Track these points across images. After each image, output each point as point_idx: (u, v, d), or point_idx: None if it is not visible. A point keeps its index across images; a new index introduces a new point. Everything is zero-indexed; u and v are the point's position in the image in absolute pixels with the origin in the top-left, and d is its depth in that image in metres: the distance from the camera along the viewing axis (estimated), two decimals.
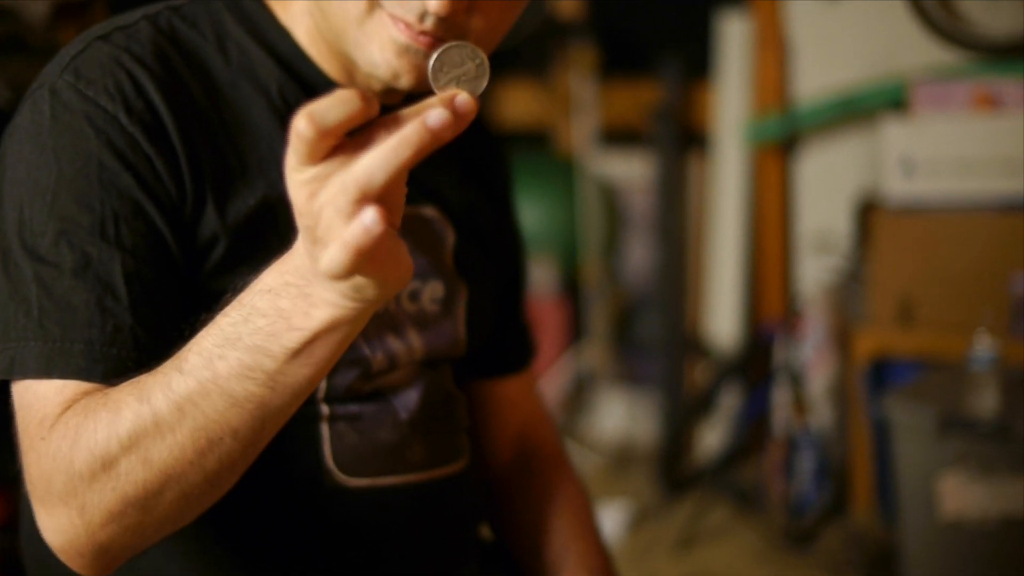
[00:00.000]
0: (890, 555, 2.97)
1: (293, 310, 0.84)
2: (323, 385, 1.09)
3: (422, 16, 0.98)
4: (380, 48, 1.02)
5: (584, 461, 3.81)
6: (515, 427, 1.37)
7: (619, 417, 4.06)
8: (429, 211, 1.19)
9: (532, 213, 3.98)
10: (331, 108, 0.75)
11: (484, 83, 0.88)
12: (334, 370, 1.01)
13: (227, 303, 0.89)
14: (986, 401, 2.67)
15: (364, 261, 0.77)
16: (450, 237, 1.19)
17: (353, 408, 1.11)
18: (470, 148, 1.24)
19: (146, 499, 0.91)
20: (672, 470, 3.63)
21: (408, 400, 1.15)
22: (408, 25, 1.00)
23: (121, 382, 0.94)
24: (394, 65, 1.02)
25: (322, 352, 0.86)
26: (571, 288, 3.99)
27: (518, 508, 1.34)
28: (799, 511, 3.34)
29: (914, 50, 3.33)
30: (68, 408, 0.94)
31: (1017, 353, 2.86)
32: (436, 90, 0.87)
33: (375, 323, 1.11)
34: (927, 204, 3.15)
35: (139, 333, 0.98)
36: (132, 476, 0.90)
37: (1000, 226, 3.06)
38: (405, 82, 1.03)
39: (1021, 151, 3.03)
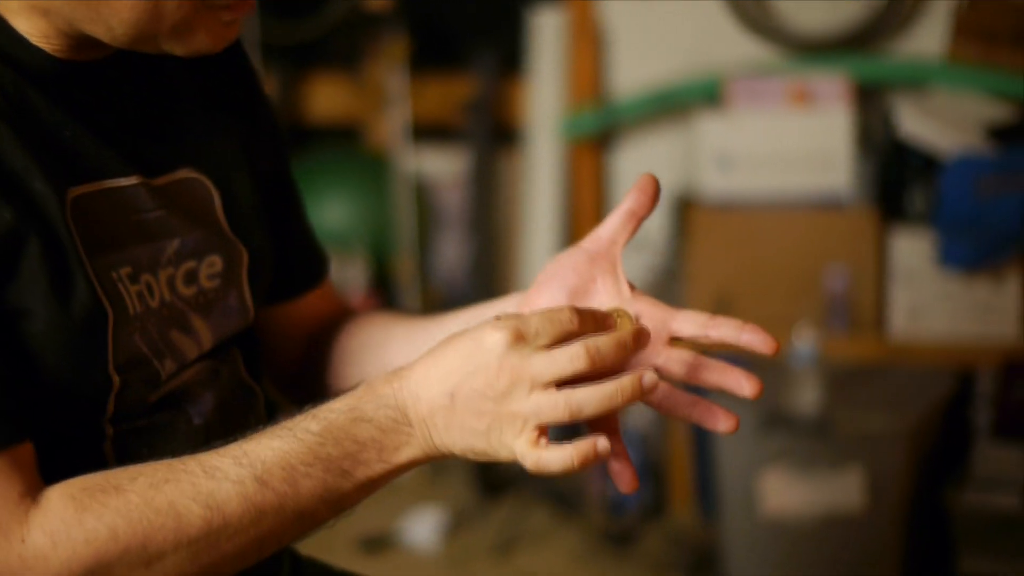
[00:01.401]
0: (711, 554, 2.95)
1: (388, 444, 0.91)
2: (111, 408, 0.96)
3: None
4: (208, 32, 0.95)
5: None
6: (313, 327, 1.26)
7: None
8: (186, 173, 1.04)
9: (342, 210, 3.85)
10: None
11: None
12: (125, 392, 0.95)
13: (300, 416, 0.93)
14: (806, 397, 2.66)
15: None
16: (215, 198, 1.06)
17: (142, 422, 0.98)
18: (206, 76, 1.11)
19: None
20: (488, 472, 3.54)
21: (203, 403, 1.02)
22: (241, 2, 0.95)
23: None
24: (224, 39, 0.97)
25: (387, 482, 0.94)
26: (382, 286, 3.87)
27: (326, 362, 1.23)
28: (618, 511, 3.29)
29: (729, 45, 3.32)
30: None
31: (833, 347, 2.87)
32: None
33: (157, 326, 0.98)
34: (743, 200, 3.13)
35: None
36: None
37: (815, 221, 3.07)
38: (215, 49, 0.97)
39: (836, 146, 3.04)
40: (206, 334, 1.02)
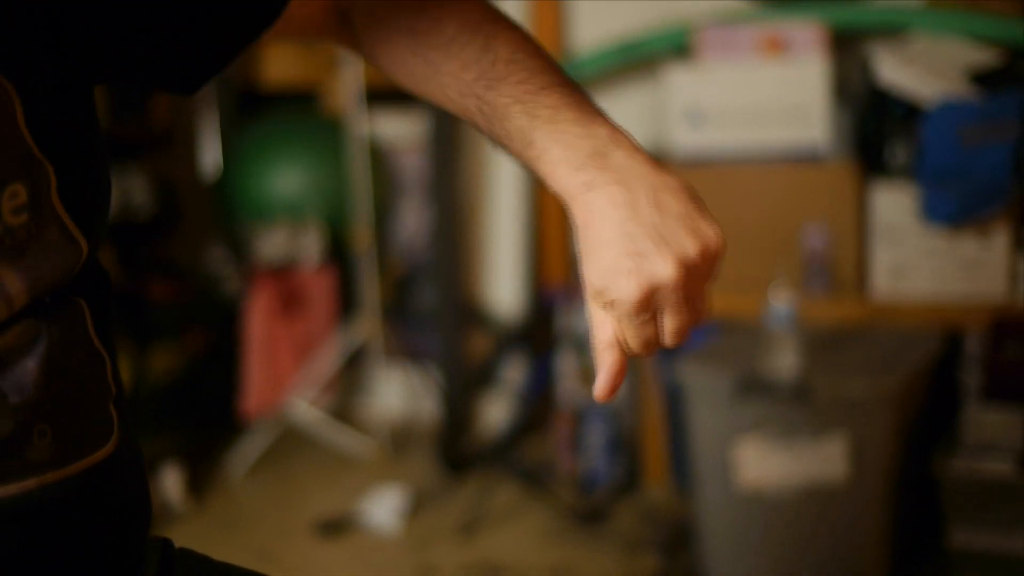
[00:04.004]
0: (686, 530, 2.79)
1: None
2: None
3: None
4: None
5: (358, 447, 3.53)
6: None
7: (397, 396, 3.80)
8: None
9: (298, 176, 3.68)
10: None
11: None
12: None
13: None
14: (784, 361, 2.51)
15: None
16: (15, 106, 0.81)
17: None
18: None
19: None
20: (453, 450, 3.38)
21: (22, 375, 0.81)
22: None
23: None
24: None
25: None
26: (341, 257, 3.70)
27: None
28: (589, 488, 3.14)
29: None
30: None
31: (812, 309, 2.71)
32: None
33: None
34: (715, 156, 2.97)
35: None
36: None
37: (792, 177, 2.90)
38: None
39: (811, 97, 2.88)
40: (16, 286, 0.81)
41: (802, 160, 2.90)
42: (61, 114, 0.85)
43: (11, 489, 0.80)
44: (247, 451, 3.48)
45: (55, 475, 0.82)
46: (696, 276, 0.84)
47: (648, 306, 0.84)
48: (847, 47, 3.01)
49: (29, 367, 0.81)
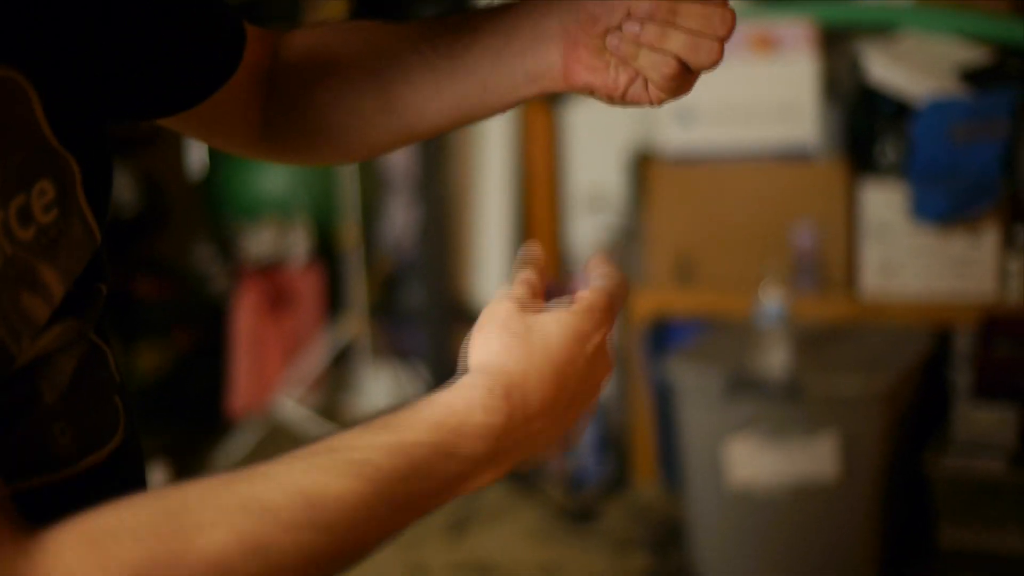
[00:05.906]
0: (676, 529, 2.79)
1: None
2: None
3: None
4: None
5: None
6: (260, 74, 1.03)
7: (385, 394, 3.79)
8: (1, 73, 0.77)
9: (286, 174, 3.67)
10: None
11: None
12: None
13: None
14: (775, 359, 2.50)
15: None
16: (33, 98, 0.77)
17: None
18: None
19: None
20: None
21: (59, 375, 0.79)
22: None
23: None
24: None
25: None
26: (328, 255, 3.68)
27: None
28: (579, 486, 3.13)
29: None
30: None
31: (802, 307, 2.70)
32: None
33: (10, 294, 0.74)
34: (705, 154, 2.97)
35: None
36: None
37: (781, 175, 2.90)
38: None
39: (801, 95, 2.87)
40: (56, 284, 0.78)
41: (792, 158, 2.90)
42: (77, 104, 0.82)
43: (34, 483, 0.78)
44: (234, 449, 3.47)
45: (74, 469, 0.81)
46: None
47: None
48: (837, 45, 3.00)
49: (66, 366, 0.79)
